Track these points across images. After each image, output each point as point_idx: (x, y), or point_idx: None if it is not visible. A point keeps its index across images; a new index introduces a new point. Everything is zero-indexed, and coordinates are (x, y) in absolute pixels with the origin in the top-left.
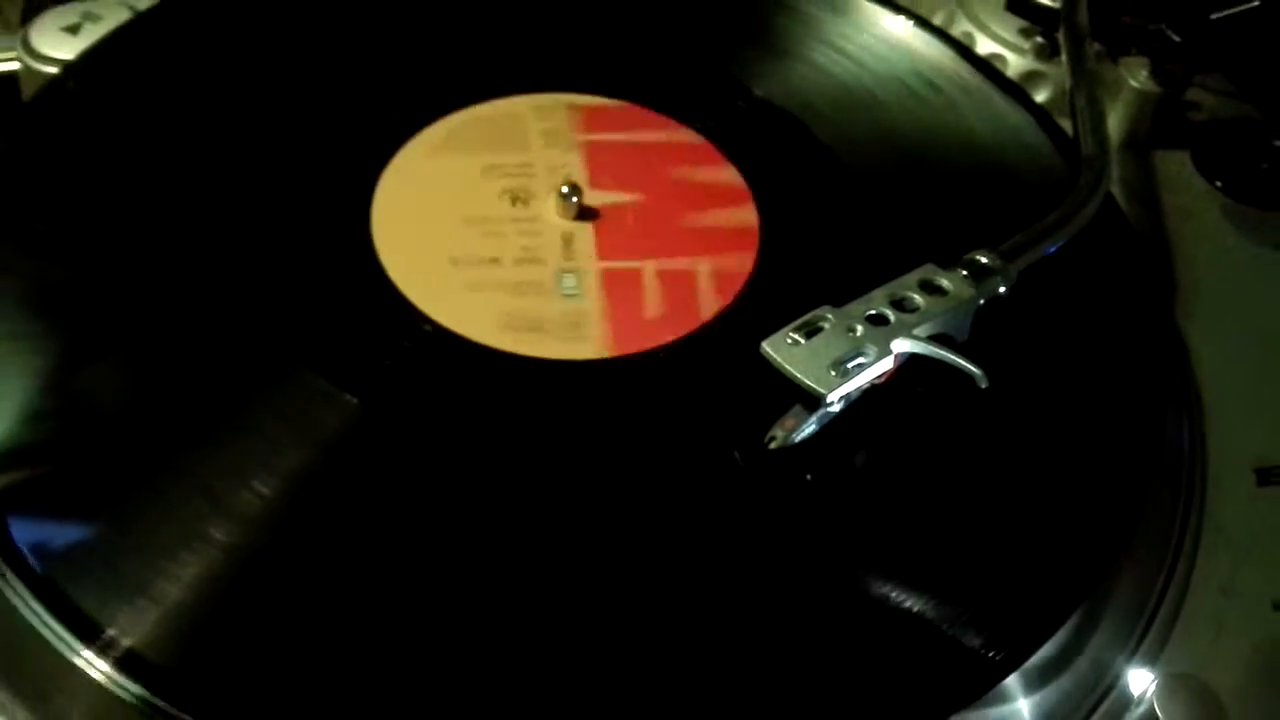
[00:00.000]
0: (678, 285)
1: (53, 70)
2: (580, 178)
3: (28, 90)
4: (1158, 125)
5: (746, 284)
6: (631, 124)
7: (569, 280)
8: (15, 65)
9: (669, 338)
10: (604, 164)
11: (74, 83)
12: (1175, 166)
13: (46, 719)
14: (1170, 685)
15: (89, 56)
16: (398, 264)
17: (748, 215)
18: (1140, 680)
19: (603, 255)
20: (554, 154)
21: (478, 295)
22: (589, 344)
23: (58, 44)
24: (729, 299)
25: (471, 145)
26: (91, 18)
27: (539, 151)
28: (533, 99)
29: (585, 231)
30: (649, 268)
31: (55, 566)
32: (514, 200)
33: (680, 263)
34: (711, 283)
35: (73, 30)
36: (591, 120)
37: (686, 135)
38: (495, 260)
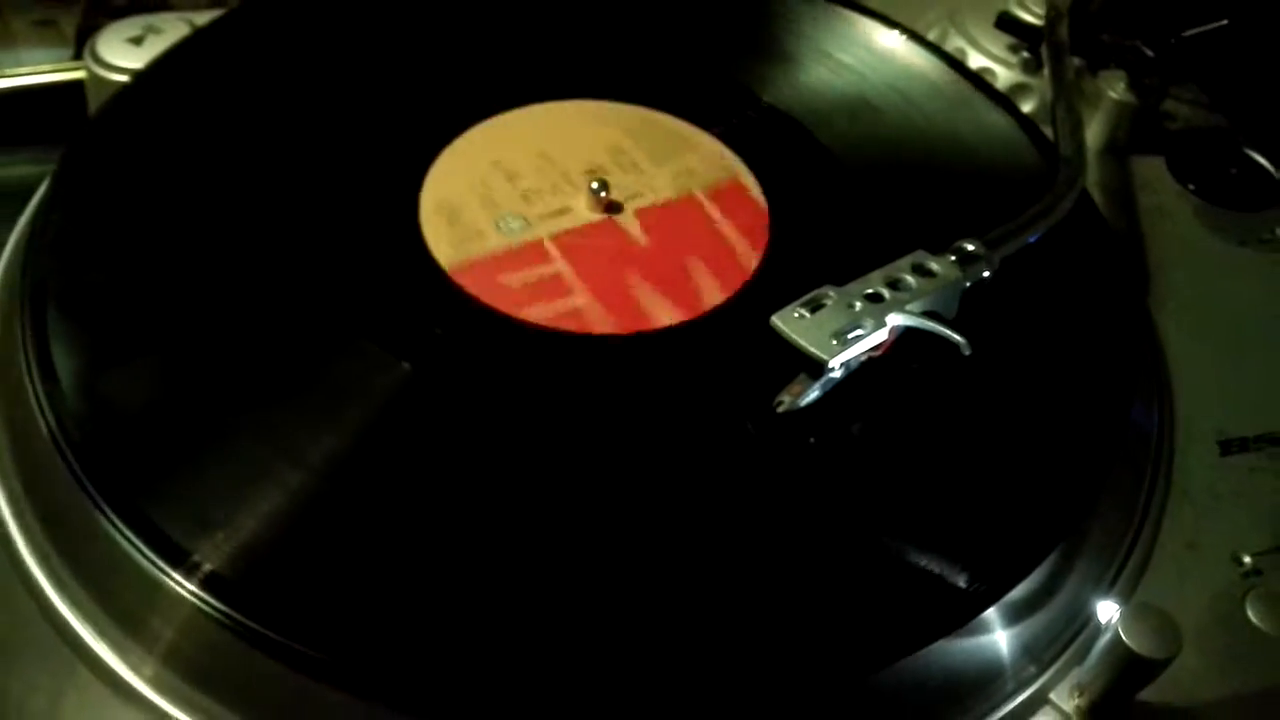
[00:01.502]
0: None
1: (120, 79)
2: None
3: (94, 96)
4: (1135, 133)
5: (759, 266)
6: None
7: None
8: (77, 75)
9: (714, 304)
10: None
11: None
12: (1151, 171)
13: (141, 639)
14: (1134, 612)
15: (158, 66)
16: (447, 254)
17: (760, 207)
18: (1107, 610)
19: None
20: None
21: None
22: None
23: (124, 54)
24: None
25: (497, 151)
26: (154, 30)
27: (561, 156)
28: (558, 105)
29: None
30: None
31: (151, 504)
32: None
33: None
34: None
35: (136, 41)
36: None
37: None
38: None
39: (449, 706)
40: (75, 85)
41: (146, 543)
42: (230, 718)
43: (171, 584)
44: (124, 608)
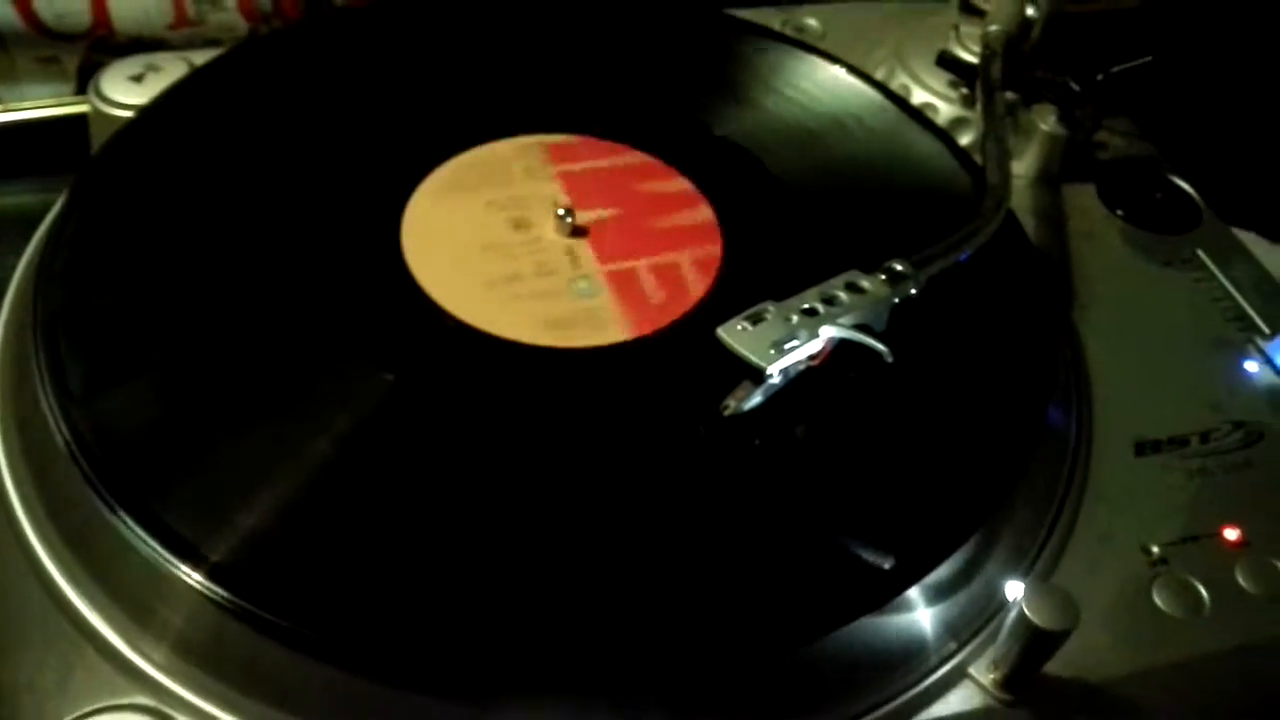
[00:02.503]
0: (668, 275)
1: (123, 114)
2: (565, 202)
3: (97, 130)
4: (1067, 162)
5: (714, 282)
6: (596, 153)
7: (583, 284)
8: (80, 109)
9: (673, 317)
10: (580, 188)
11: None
12: (1082, 198)
13: (150, 627)
14: (1035, 589)
15: (162, 101)
16: (443, 293)
17: (709, 220)
18: (1015, 589)
19: (602, 260)
20: (538, 185)
21: (514, 306)
22: (614, 331)
23: (126, 90)
24: (709, 285)
25: (467, 187)
26: (154, 69)
27: (525, 185)
28: (511, 142)
29: (582, 244)
30: (642, 265)
31: (161, 504)
32: (517, 227)
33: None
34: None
35: (138, 79)
36: (562, 154)
37: (640, 156)
38: (518, 276)
39: (424, 675)
40: (77, 119)
41: (157, 539)
42: (232, 695)
43: (179, 575)
44: (133, 597)
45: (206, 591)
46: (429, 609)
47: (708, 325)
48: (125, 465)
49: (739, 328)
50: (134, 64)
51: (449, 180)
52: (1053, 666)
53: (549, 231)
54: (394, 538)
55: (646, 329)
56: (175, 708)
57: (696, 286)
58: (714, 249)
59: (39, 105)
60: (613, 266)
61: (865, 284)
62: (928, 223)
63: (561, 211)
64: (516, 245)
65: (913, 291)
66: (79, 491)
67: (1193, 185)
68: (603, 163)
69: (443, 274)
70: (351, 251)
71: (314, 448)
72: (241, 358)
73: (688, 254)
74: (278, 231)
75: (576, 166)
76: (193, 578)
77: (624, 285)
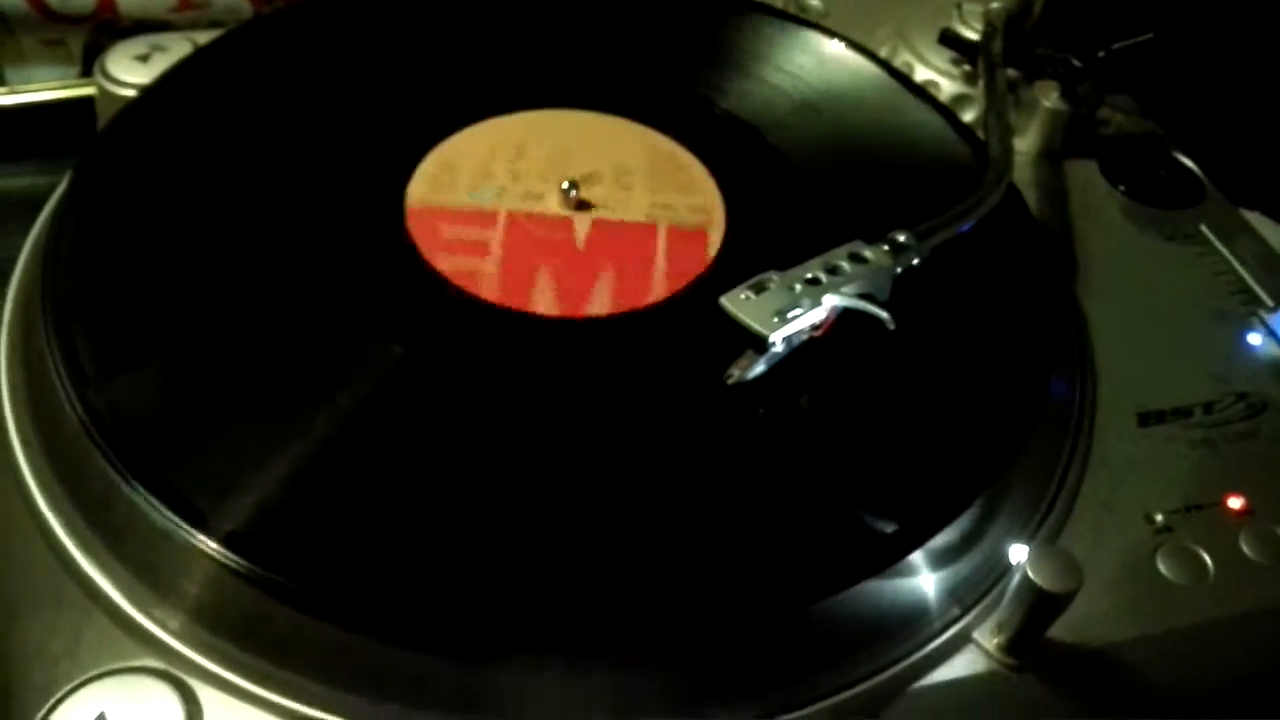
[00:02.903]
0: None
1: (129, 93)
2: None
3: (103, 110)
4: (1069, 138)
5: (718, 254)
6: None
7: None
8: (85, 91)
9: (674, 289)
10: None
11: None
12: (1085, 173)
13: (160, 591)
14: (1039, 551)
15: (165, 80)
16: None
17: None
18: (1018, 552)
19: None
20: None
21: None
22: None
23: (132, 70)
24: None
25: (474, 161)
26: (159, 48)
27: (529, 160)
28: (515, 117)
29: (586, 217)
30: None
31: (170, 468)
32: (523, 200)
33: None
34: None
35: (143, 59)
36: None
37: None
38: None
39: (435, 638)
40: (82, 101)
41: (169, 506)
42: (240, 657)
43: (190, 539)
44: (142, 561)
45: (216, 555)
46: (436, 571)
47: (709, 297)
48: (137, 438)
49: (742, 296)
50: (139, 44)
51: (453, 155)
52: (1057, 632)
53: (553, 205)
54: (401, 503)
55: (649, 300)
56: (185, 670)
57: (702, 258)
58: (718, 221)
59: (44, 87)
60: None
61: (868, 254)
62: (930, 197)
63: (565, 185)
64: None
65: (915, 261)
66: (89, 460)
67: (1194, 161)
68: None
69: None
70: (357, 226)
71: (323, 416)
72: (251, 332)
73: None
74: (284, 208)
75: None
76: (202, 542)
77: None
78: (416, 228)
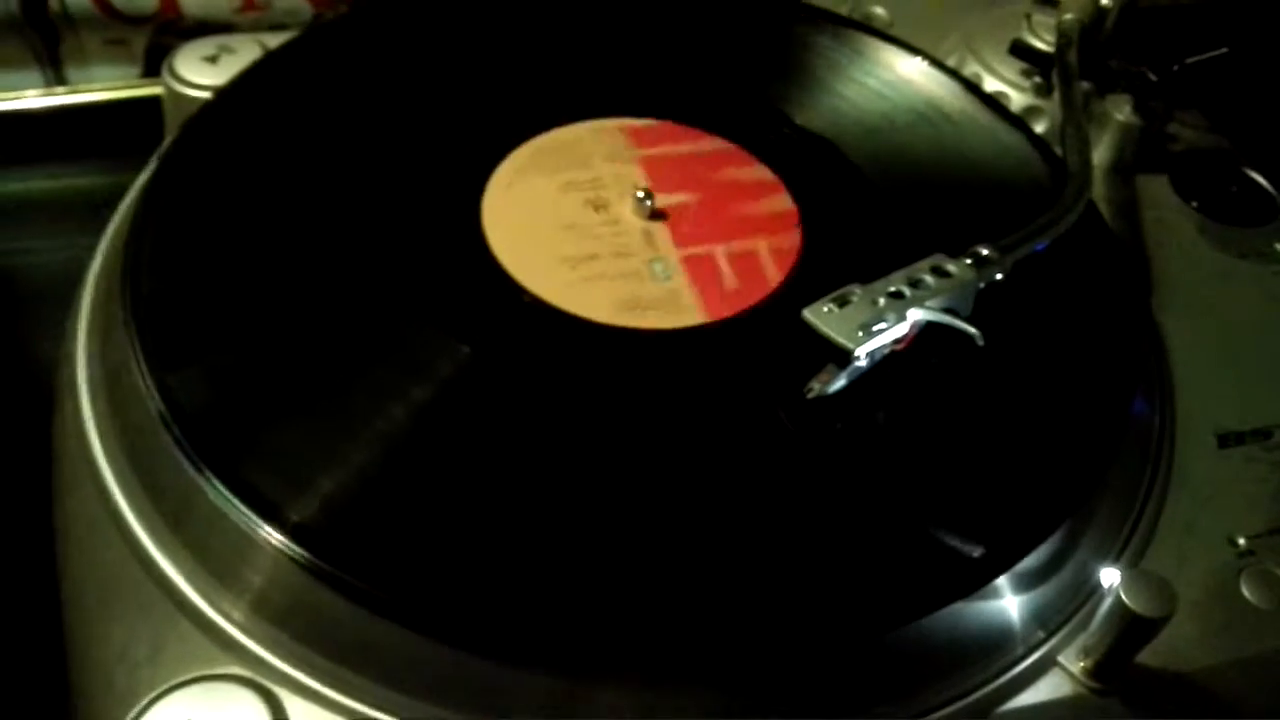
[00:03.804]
0: (745, 262)
1: (199, 94)
2: (644, 184)
3: (171, 111)
4: (1141, 153)
5: (794, 267)
6: (676, 138)
7: (659, 267)
8: (150, 91)
9: (750, 303)
10: (659, 173)
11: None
12: (1157, 188)
13: (233, 588)
14: (1133, 575)
15: (239, 82)
16: (521, 270)
17: (788, 208)
18: (1110, 576)
19: (680, 244)
20: (617, 168)
21: (592, 286)
22: (690, 314)
23: (201, 71)
24: (787, 272)
25: (547, 168)
26: (227, 50)
27: (604, 167)
28: (590, 124)
29: (661, 228)
30: (719, 250)
31: (249, 467)
32: (595, 208)
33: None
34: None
35: (212, 60)
36: (642, 138)
37: (719, 143)
38: (595, 256)
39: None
40: (145, 101)
41: (248, 503)
42: (319, 661)
43: (264, 535)
44: (225, 565)
45: (296, 556)
46: (513, 580)
47: (785, 312)
48: (216, 431)
49: (825, 310)
50: (207, 45)
51: (528, 160)
52: (1141, 656)
53: (627, 214)
54: (474, 506)
55: (723, 313)
56: (268, 677)
57: (774, 274)
58: (793, 237)
59: (107, 87)
60: (690, 251)
61: (951, 268)
62: (1005, 212)
63: (640, 194)
64: (594, 226)
65: (998, 276)
66: (173, 461)
67: (1267, 178)
68: (682, 148)
69: (521, 251)
70: (432, 228)
71: (393, 415)
72: (325, 329)
73: (766, 241)
74: (358, 208)
75: (655, 151)
76: (283, 542)
77: (701, 270)
78: (491, 229)
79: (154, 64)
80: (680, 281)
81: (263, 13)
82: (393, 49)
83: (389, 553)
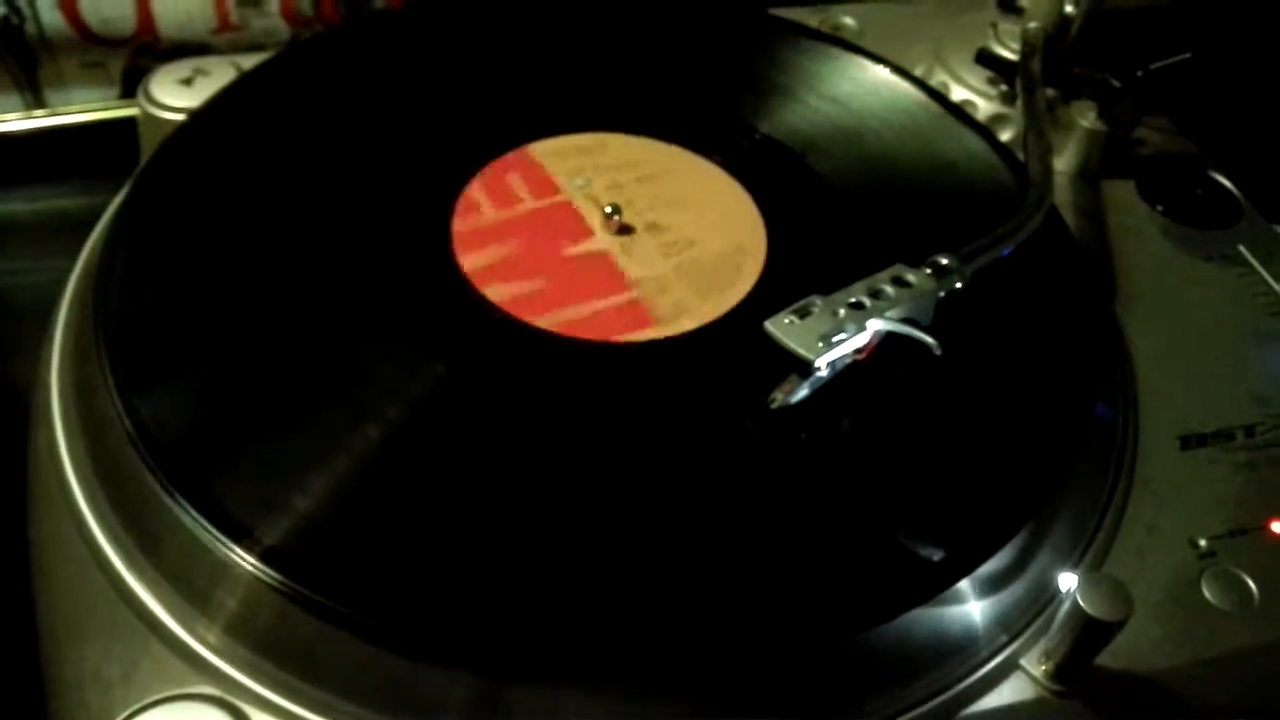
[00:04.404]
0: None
1: (174, 117)
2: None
3: (146, 133)
4: (1107, 158)
5: (760, 276)
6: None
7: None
8: (126, 113)
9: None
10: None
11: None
12: (1123, 193)
13: (204, 609)
14: (1089, 579)
15: (213, 105)
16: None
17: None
18: (1067, 580)
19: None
20: (582, 183)
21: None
22: (658, 327)
23: (176, 94)
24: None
25: (514, 184)
26: (202, 72)
27: (569, 183)
28: (555, 141)
29: (628, 241)
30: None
31: (218, 487)
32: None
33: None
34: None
35: (187, 82)
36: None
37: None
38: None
39: (484, 660)
40: (122, 123)
41: (218, 526)
42: (290, 680)
43: (235, 558)
44: (196, 587)
45: (267, 578)
46: (487, 595)
47: (751, 321)
48: (185, 453)
49: (786, 321)
50: (182, 67)
51: (493, 182)
52: (1103, 658)
53: (596, 229)
54: (447, 524)
55: (691, 325)
56: (239, 697)
57: (741, 283)
58: (758, 246)
59: (85, 109)
60: (659, 262)
61: (911, 278)
62: (970, 219)
63: (608, 210)
64: (567, 245)
65: (958, 285)
66: (140, 480)
67: (1232, 181)
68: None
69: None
70: (402, 247)
71: (366, 435)
72: (296, 351)
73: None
74: (330, 229)
75: (621, 163)
76: (254, 564)
77: (669, 281)
78: (463, 250)
79: (132, 86)
80: (649, 293)
81: (239, 34)
82: (366, 71)
83: (362, 573)
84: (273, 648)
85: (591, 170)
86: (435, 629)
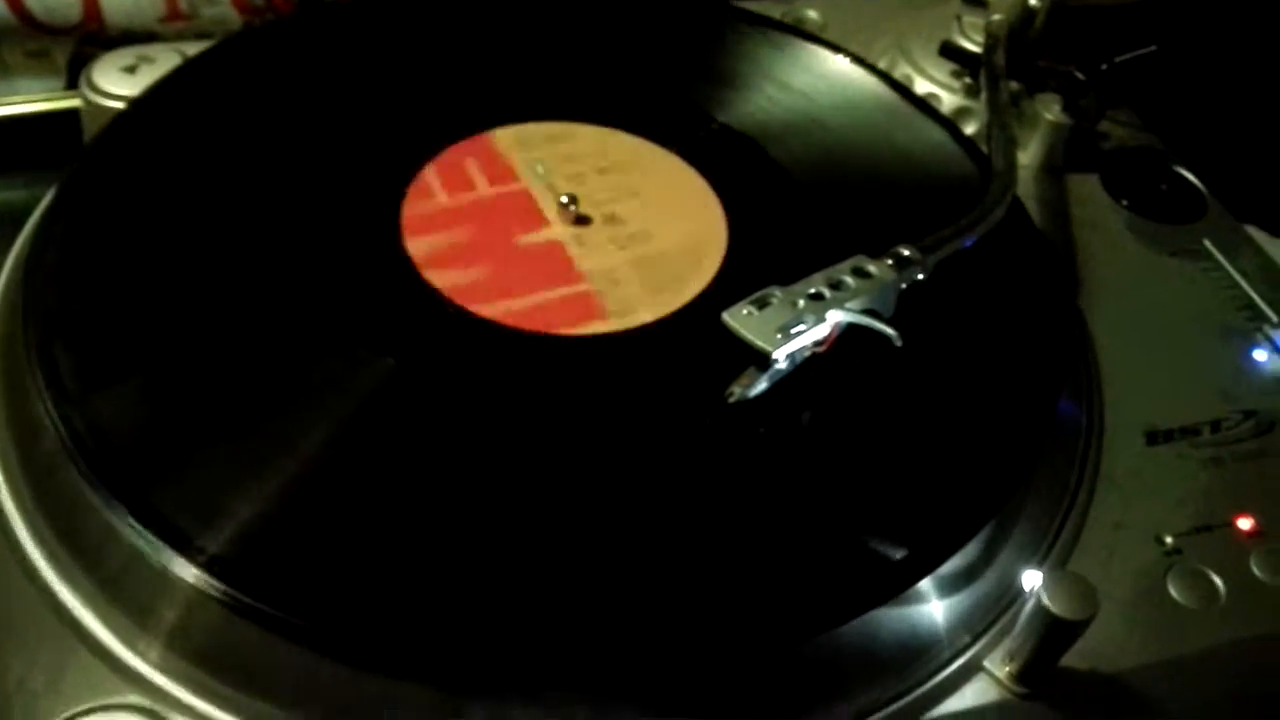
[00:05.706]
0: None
1: (116, 105)
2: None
3: (90, 123)
4: (1071, 152)
5: (720, 269)
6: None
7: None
8: (71, 103)
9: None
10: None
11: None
12: (1086, 187)
13: (143, 625)
14: (1053, 578)
15: (154, 92)
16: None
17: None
18: (1032, 579)
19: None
20: (540, 173)
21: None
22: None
23: (118, 82)
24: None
25: (468, 174)
26: (146, 60)
27: (526, 173)
28: (510, 130)
29: (586, 231)
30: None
31: (155, 494)
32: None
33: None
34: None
35: (130, 70)
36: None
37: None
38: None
39: (429, 669)
40: (68, 114)
41: (153, 531)
42: (226, 692)
43: (174, 569)
44: (126, 594)
45: (201, 585)
46: (431, 601)
47: (709, 315)
48: (121, 458)
49: (744, 312)
50: (126, 55)
51: (448, 168)
52: (1068, 658)
53: (553, 219)
54: (393, 529)
55: (650, 316)
56: (168, 707)
57: (700, 277)
58: (719, 239)
59: (29, 100)
60: (614, 254)
61: (872, 269)
62: (933, 211)
63: (565, 199)
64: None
65: (920, 276)
66: (72, 486)
67: (1196, 175)
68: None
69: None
70: (349, 240)
71: (314, 436)
72: (238, 348)
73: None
74: (272, 222)
75: (584, 152)
76: (188, 571)
77: (624, 273)
78: (411, 236)
79: (78, 76)
80: (607, 284)
81: (189, 23)
82: (320, 57)
83: (300, 581)
84: (208, 658)
85: (553, 159)
86: (386, 636)
